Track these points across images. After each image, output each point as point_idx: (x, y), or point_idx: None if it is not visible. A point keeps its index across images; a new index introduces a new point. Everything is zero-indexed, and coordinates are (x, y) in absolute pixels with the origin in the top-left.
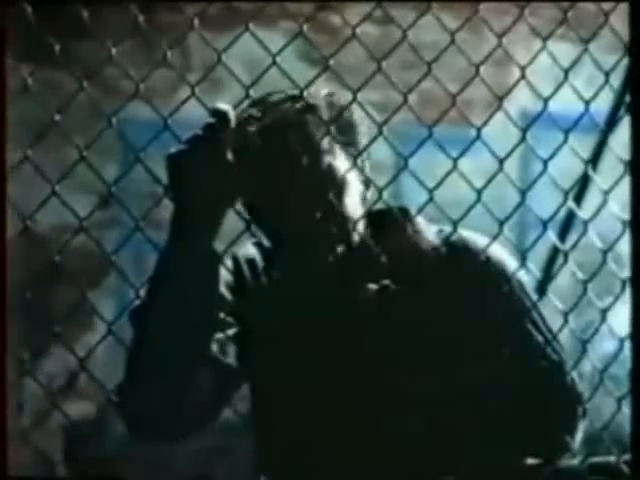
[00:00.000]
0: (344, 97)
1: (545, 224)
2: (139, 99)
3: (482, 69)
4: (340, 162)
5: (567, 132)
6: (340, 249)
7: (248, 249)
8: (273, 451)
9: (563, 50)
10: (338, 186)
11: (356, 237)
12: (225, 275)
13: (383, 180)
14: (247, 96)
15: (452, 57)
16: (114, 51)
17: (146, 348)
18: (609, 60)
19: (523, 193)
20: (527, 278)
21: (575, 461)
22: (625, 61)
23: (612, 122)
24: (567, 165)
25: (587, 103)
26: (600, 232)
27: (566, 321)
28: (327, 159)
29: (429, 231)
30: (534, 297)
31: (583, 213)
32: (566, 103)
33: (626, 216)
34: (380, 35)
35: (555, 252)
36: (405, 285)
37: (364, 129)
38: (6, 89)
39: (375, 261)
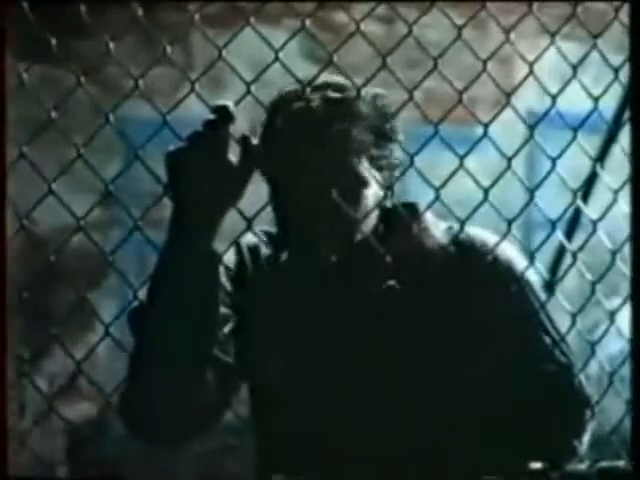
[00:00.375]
0: (393, 103)
1: (554, 224)
2: (141, 98)
3: (487, 67)
4: (365, 163)
5: (576, 130)
6: (346, 246)
7: (252, 237)
8: (273, 448)
9: (569, 49)
10: (357, 185)
11: (363, 234)
12: (226, 264)
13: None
14: (248, 92)
15: (457, 56)
16: (115, 49)
17: (145, 351)
18: (615, 59)
19: (531, 192)
20: (536, 278)
21: (583, 466)
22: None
23: (620, 120)
24: (573, 164)
25: (596, 100)
26: (607, 231)
27: (574, 322)
28: (353, 156)
29: (438, 228)
30: (543, 297)
31: (589, 212)
32: (571, 103)
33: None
34: (385, 34)
35: (561, 252)
36: (412, 283)
37: (401, 138)
38: (6, 88)
39: (382, 259)
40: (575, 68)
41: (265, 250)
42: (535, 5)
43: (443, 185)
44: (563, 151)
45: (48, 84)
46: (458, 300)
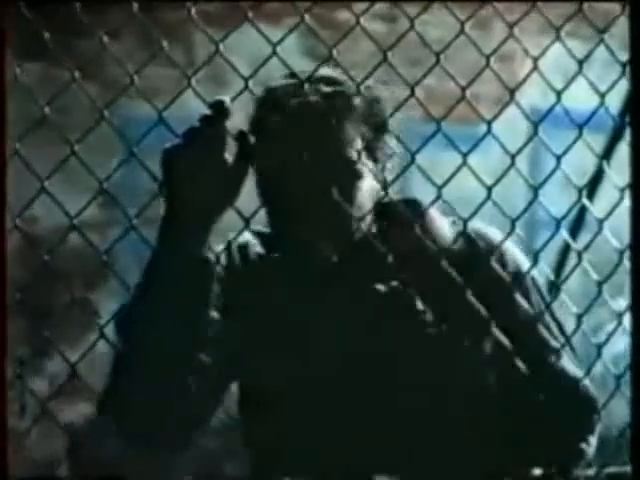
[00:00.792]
0: (388, 94)
1: (558, 222)
2: (142, 98)
3: (490, 63)
4: (359, 155)
5: (581, 127)
6: (344, 243)
7: (243, 236)
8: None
9: (572, 47)
10: (351, 178)
11: (362, 231)
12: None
13: (389, 176)
14: (246, 88)
15: (458, 54)
16: (115, 47)
17: (134, 357)
18: (620, 57)
19: (535, 190)
20: (540, 278)
21: (591, 471)
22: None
23: (625, 118)
24: (577, 162)
25: (602, 96)
26: (612, 229)
27: (579, 324)
28: (347, 149)
29: (442, 223)
30: (548, 297)
31: (595, 211)
32: (574, 101)
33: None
34: (387, 32)
35: (566, 251)
36: (415, 279)
37: (395, 129)
38: (6, 87)
39: (383, 255)
40: (581, 63)
41: (255, 249)
42: (538, 3)
43: (446, 183)
44: (568, 148)
45: (48, 83)
46: (467, 295)
